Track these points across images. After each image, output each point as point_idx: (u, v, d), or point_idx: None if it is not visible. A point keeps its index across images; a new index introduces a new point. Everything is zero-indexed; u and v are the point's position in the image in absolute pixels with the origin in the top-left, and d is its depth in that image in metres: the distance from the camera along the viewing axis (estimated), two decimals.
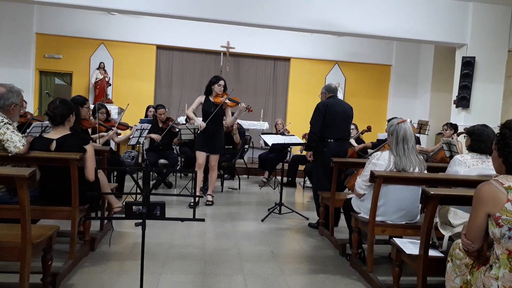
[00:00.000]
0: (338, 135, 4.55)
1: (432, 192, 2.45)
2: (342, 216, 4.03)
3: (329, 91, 4.78)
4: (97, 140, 5.04)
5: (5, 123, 2.96)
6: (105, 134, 5.21)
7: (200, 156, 5.43)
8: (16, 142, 2.92)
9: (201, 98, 5.49)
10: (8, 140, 2.91)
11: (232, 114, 5.84)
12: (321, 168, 4.56)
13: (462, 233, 2.09)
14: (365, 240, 3.42)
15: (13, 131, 2.96)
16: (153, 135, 6.39)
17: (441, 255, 2.57)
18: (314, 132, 4.51)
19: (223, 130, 5.70)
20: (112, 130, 5.29)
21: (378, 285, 2.96)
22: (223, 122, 5.63)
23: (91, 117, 5.22)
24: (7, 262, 2.75)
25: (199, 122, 5.39)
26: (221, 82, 5.44)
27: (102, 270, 3.11)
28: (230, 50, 10.37)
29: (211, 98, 5.44)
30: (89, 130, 5.00)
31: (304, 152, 8.06)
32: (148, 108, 7.91)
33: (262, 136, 5.89)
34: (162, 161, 6.34)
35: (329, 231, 4.25)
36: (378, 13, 7.51)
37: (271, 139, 5.38)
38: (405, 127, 3.18)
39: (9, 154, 2.91)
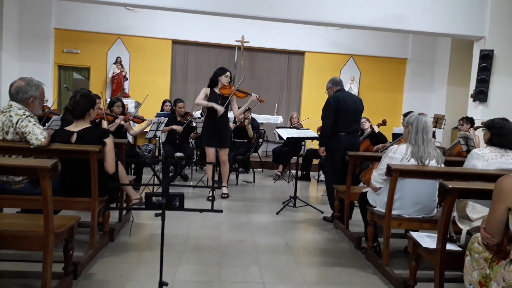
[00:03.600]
0: (349, 128, 4.54)
1: (450, 186, 2.43)
2: (356, 210, 4.03)
3: (336, 84, 4.70)
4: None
5: (26, 116, 3.03)
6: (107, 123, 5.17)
7: (210, 152, 5.38)
8: (38, 134, 2.98)
9: (206, 90, 5.34)
10: (30, 132, 2.98)
11: (239, 107, 5.79)
12: (334, 162, 4.56)
13: (481, 227, 2.08)
14: (380, 233, 3.42)
15: (35, 124, 3.03)
16: (175, 126, 6.47)
17: (459, 249, 2.56)
18: (326, 127, 4.51)
19: (229, 123, 5.65)
20: (118, 118, 5.29)
21: (394, 278, 2.96)
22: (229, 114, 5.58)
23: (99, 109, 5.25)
24: (31, 251, 2.83)
25: (217, 107, 5.20)
26: (228, 73, 5.37)
27: (121, 260, 3.18)
28: (245, 44, 10.37)
29: (216, 90, 5.35)
30: (105, 123, 5.04)
31: (316, 145, 8.07)
32: (164, 102, 7.97)
33: (277, 129, 5.89)
34: (178, 154, 6.41)
35: (344, 225, 4.25)
36: (394, 6, 7.42)
37: (285, 133, 5.38)
38: (425, 119, 3.20)
39: (31, 147, 2.98)
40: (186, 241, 3.69)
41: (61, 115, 4.86)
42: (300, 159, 7.12)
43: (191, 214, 4.45)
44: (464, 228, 2.70)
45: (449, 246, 2.55)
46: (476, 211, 2.70)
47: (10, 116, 3.02)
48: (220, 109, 5.21)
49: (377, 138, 6.49)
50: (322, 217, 4.82)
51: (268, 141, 9.47)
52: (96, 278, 2.84)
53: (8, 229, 2.48)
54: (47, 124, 4.56)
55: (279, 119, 9.63)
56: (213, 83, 5.40)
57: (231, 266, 3.18)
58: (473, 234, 2.30)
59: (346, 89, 10.49)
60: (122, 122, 5.37)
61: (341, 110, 4.46)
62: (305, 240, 4.07)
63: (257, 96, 5.49)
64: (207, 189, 5.66)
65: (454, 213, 2.77)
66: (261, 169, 8.45)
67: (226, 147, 5.46)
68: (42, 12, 9.46)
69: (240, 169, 7.57)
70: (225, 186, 5.63)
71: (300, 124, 7.90)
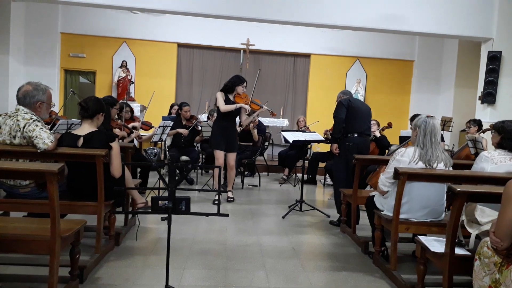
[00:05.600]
0: (361, 129, 4.61)
1: (459, 189, 2.40)
2: (363, 214, 3.99)
3: (346, 94, 4.92)
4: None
5: (34, 120, 3.05)
6: (127, 136, 5.28)
7: (220, 155, 5.41)
8: (45, 138, 2.99)
9: (222, 95, 5.39)
10: (37, 136, 2.99)
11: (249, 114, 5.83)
12: (345, 164, 4.53)
13: (490, 231, 2.05)
14: (387, 238, 3.39)
15: (42, 128, 3.04)
16: (180, 130, 6.49)
17: (468, 253, 2.52)
18: (339, 122, 4.56)
19: (236, 127, 5.74)
20: (134, 133, 5.38)
21: (402, 283, 2.93)
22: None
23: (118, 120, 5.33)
24: (37, 255, 2.83)
25: (245, 106, 5.32)
26: (245, 84, 5.48)
27: (127, 264, 3.17)
28: (250, 47, 10.37)
29: (230, 97, 5.42)
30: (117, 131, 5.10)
31: (322, 148, 8.06)
32: (172, 106, 8.01)
33: (283, 132, 5.87)
34: (184, 158, 6.42)
35: (351, 229, 4.22)
36: (400, 7, 7.39)
37: (291, 136, 5.37)
38: (433, 121, 3.18)
39: (38, 151, 2.99)
40: (192, 245, 3.68)
41: (67, 120, 4.89)
42: (306, 162, 7.09)
43: (197, 218, 4.44)
44: (473, 232, 2.67)
45: (458, 251, 2.52)
46: (485, 214, 2.67)
47: (17, 120, 3.04)
48: (248, 107, 5.35)
49: (380, 144, 6.28)
50: (328, 221, 4.79)
51: (274, 144, 9.45)
52: (102, 282, 2.83)
53: (15, 233, 2.49)
54: (53, 129, 4.58)
55: (284, 122, 9.60)
56: (227, 89, 5.43)
57: (237, 271, 3.16)
58: (482, 238, 2.27)
59: (353, 91, 10.57)
60: (135, 139, 5.47)
61: (353, 110, 4.57)
62: (312, 244, 4.04)
63: (270, 110, 5.67)
64: (213, 193, 5.66)
65: (463, 217, 2.74)
66: (266, 173, 8.43)
67: (234, 152, 5.52)
68: (48, 16, 9.51)
69: (246, 172, 7.56)
70: (230, 190, 5.63)
71: (307, 127, 7.87)
